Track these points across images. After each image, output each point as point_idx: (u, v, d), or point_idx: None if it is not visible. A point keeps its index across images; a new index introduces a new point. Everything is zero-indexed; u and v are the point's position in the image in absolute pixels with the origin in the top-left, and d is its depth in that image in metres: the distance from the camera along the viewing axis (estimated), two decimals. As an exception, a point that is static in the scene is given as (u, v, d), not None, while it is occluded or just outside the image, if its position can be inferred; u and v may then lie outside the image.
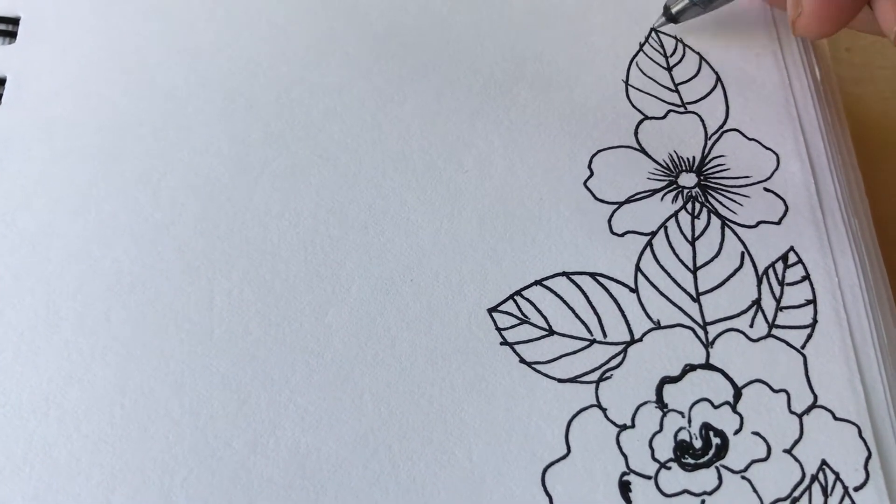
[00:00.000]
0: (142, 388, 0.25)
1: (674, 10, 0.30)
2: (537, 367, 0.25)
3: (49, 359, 0.25)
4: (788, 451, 0.24)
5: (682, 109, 0.30)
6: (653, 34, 0.31)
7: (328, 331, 0.26)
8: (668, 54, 0.31)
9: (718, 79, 0.30)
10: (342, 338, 0.26)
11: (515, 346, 0.25)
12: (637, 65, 0.31)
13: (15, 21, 0.31)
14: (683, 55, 0.31)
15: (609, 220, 0.28)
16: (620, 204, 0.28)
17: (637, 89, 0.30)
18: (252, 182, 0.28)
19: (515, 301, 0.26)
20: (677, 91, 0.30)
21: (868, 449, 0.24)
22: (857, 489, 0.24)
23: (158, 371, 0.25)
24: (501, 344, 0.26)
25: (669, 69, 0.31)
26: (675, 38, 0.31)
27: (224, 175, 0.28)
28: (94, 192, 0.28)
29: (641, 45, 0.31)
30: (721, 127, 0.29)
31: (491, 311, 0.26)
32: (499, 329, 0.26)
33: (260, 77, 0.30)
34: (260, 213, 0.27)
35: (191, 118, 0.29)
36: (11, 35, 0.31)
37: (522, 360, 0.25)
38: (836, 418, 0.25)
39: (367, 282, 0.26)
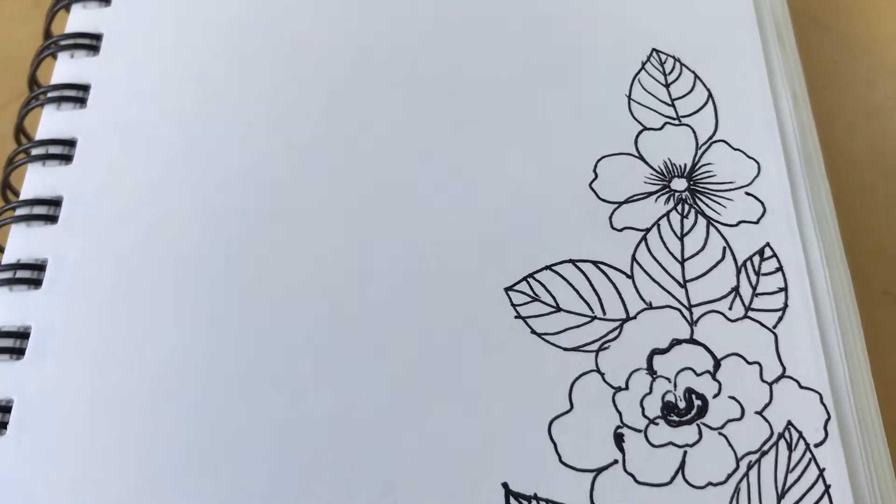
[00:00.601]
0: (199, 345, 0.29)
1: None
2: (546, 337, 0.30)
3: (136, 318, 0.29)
4: (759, 413, 0.28)
5: (676, 122, 0.34)
6: (653, 53, 0.36)
7: (365, 303, 0.30)
8: (667, 72, 0.35)
9: (710, 96, 0.35)
10: (378, 308, 0.30)
11: (528, 320, 0.30)
12: (639, 81, 0.35)
13: (98, 37, 0.36)
14: (680, 73, 0.35)
15: (610, 217, 0.32)
16: (620, 203, 0.32)
17: (638, 103, 0.35)
18: (307, 176, 0.33)
19: (528, 282, 0.31)
20: (673, 105, 0.34)
21: (828, 412, 0.28)
22: (817, 445, 0.28)
23: (214, 327, 0.29)
24: (516, 318, 0.30)
25: (667, 85, 0.35)
26: (674, 57, 0.36)
27: (283, 166, 0.33)
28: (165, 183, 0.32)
29: (643, 64, 0.36)
30: (710, 138, 0.34)
31: (507, 289, 0.30)
32: (514, 305, 0.30)
33: (317, 76, 0.35)
34: (314, 207, 0.32)
35: (243, 111, 0.34)
36: (95, 49, 0.35)
37: (534, 332, 0.30)
38: (801, 386, 0.29)
39: (397, 257, 0.31)
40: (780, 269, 0.31)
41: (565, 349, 0.29)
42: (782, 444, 0.28)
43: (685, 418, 0.28)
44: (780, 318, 0.30)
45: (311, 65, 0.36)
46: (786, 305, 0.30)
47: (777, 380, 0.29)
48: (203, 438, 0.28)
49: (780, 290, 0.30)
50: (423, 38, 0.36)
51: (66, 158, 0.34)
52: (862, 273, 0.34)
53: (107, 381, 0.29)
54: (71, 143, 0.34)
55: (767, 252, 0.31)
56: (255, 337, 0.30)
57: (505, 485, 0.27)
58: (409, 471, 0.27)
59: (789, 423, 0.28)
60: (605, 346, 0.29)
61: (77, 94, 0.35)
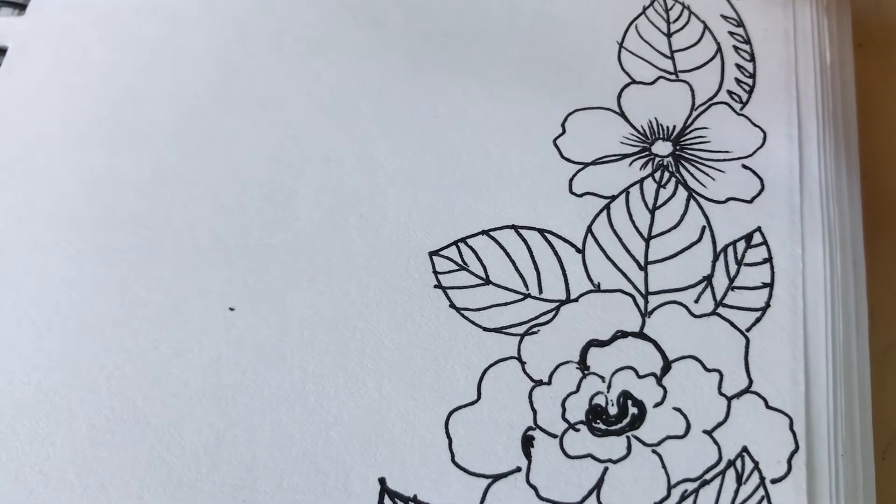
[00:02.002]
0: (90, 283, 0.26)
1: None
2: (465, 313, 0.25)
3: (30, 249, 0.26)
4: (709, 433, 0.23)
5: (672, 77, 0.29)
6: (659, -1, 0.30)
7: (271, 252, 0.26)
8: (672, 20, 0.30)
9: (719, 49, 0.29)
10: (282, 261, 0.26)
11: (448, 291, 0.25)
12: (636, 27, 0.30)
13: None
14: (687, 22, 0.30)
15: (571, 180, 0.27)
16: (586, 165, 0.27)
17: (631, 52, 0.29)
18: (230, 106, 0.29)
19: (458, 247, 0.26)
20: (672, 58, 0.29)
21: (796, 443, 0.23)
22: (774, 481, 0.22)
23: (107, 267, 0.26)
24: (435, 287, 0.25)
25: (669, 35, 0.29)
26: (682, 3, 0.30)
27: (205, 97, 0.29)
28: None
29: (645, 8, 0.30)
30: (711, 99, 0.28)
31: (432, 254, 0.26)
32: (436, 272, 0.26)
33: (254, 15, 0.31)
34: (230, 136, 0.28)
35: (182, 46, 0.30)
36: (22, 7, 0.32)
37: (452, 305, 0.25)
38: (768, 406, 0.23)
39: (318, 211, 0.27)
40: (768, 260, 0.25)
41: (485, 329, 0.25)
42: (731, 473, 0.22)
43: (614, 427, 0.23)
44: (758, 320, 0.24)
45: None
46: (767, 305, 0.25)
47: (739, 394, 0.23)
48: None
49: (765, 285, 0.25)
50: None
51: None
52: (879, 267, 0.28)
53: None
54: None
55: (757, 238, 0.26)
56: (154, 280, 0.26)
57: (382, 480, 0.23)
58: (274, 449, 0.23)
59: (745, 449, 0.23)
60: (534, 330, 0.24)
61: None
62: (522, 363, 0.24)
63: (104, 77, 0.30)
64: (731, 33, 0.29)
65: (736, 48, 0.29)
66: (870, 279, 0.27)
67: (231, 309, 0.25)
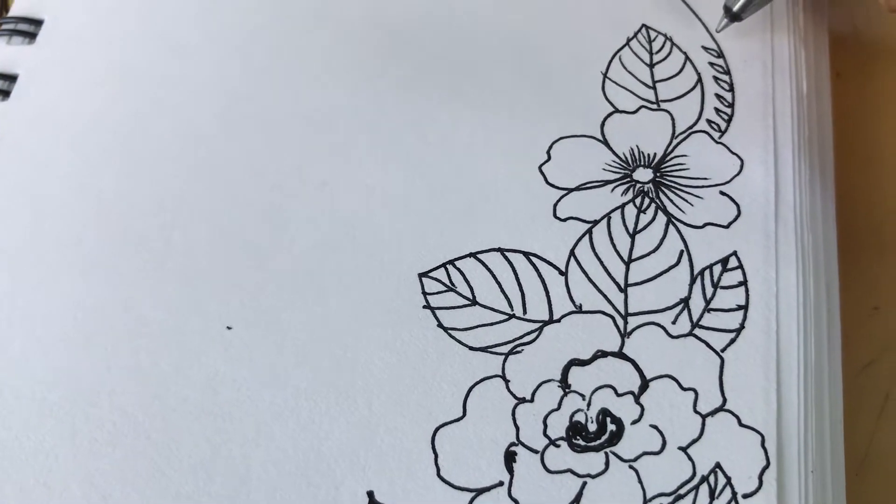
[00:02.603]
0: (95, 302, 0.27)
1: (735, 8, 0.30)
2: (453, 332, 0.26)
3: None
4: (683, 449, 0.24)
5: (654, 106, 0.30)
6: (643, 29, 0.31)
7: (267, 274, 0.27)
8: (655, 51, 0.31)
9: (699, 80, 0.30)
10: (279, 282, 0.27)
11: (436, 311, 0.26)
12: (620, 58, 0.31)
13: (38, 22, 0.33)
14: (669, 53, 0.31)
15: (555, 205, 0.28)
16: (570, 191, 0.28)
17: (614, 82, 0.30)
18: (231, 134, 0.30)
19: (447, 269, 0.27)
20: (654, 88, 0.30)
21: (767, 459, 0.24)
22: (746, 496, 0.23)
23: (111, 288, 0.27)
24: (424, 307, 0.27)
25: (652, 66, 0.31)
26: (665, 35, 0.31)
27: (208, 125, 0.30)
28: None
29: (629, 40, 0.31)
30: (691, 127, 0.29)
31: (421, 275, 0.27)
32: (425, 293, 0.27)
33: (255, 46, 0.32)
34: (231, 162, 0.29)
35: (186, 76, 0.31)
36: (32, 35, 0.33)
37: (440, 325, 0.26)
38: (740, 424, 0.24)
39: (314, 234, 0.28)
40: (743, 283, 0.26)
41: (471, 348, 0.26)
42: (704, 489, 0.23)
43: (593, 444, 0.24)
44: (732, 341, 0.25)
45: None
46: (742, 327, 0.26)
47: (713, 412, 0.24)
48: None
49: (739, 308, 0.26)
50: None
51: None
52: (854, 289, 0.29)
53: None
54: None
55: (732, 262, 0.27)
56: (154, 296, 0.27)
57: (370, 493, 0.24)
58: (268, 462, 0.24)
59: (718, 465, 0.24)
60: (518, 349, 0.26)
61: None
62: (506, 381, 0.25)
63: (111, 104, 0.31)
64: (712, 64, 0.31)
65: (716, 78, 0.30)
66: (845, 301, 0.28)
67: (229, 328, 0.26)
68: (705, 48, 0.31)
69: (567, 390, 0.25)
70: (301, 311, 0.27)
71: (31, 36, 0.33)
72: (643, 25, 0.32)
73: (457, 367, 0.25)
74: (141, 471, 0.24)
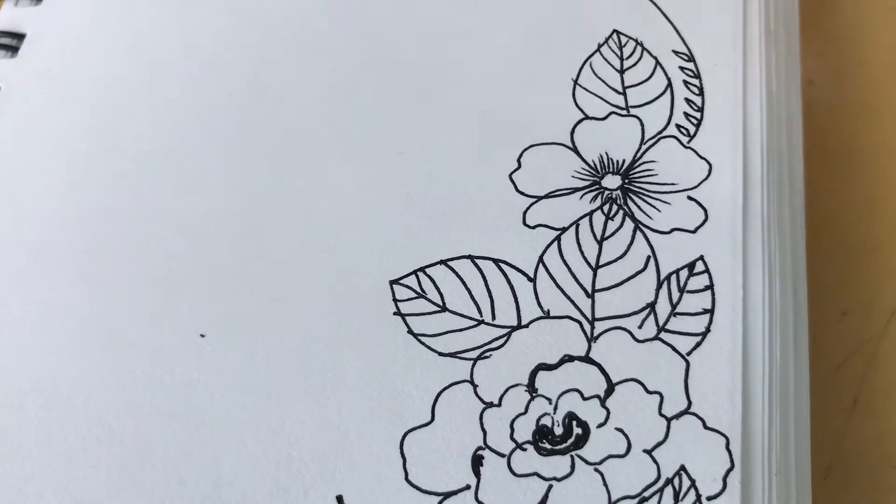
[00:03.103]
0: (73, 311, 0.27)
1: None
2: (422, 338, 0.26)
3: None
4: (648, 452, 0.24)
5: (624, 112, 0.30)
6: (614, 35, 0.32)
7: (242, 281, 0.28)
8: (625, 56, 0.31)
9: (669, 84, 0.31)
10: (253, 289, 0.28)
11: (407, 318, 0.27)
12: (590, 65, 0.31)
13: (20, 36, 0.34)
14: (640, 58, 0.31)
15: (525, 213, 0.28)
16: (539, 198, 0.29)
17: (584, 89, 0.31)
18: (207, 145, 0.30)
19: (417, 276, 0.27)
20: (624, 94, 0.30)
21: (731, 461, 0.24)
22: (710, 499, 0.24)
23: (89, 296, 0.28)
24: (394, 314, 0.27)
25: (622, 71, 0.31)
26: (635, 40, 0.31)
27: (184, 136, 0.31)
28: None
29: (600, 45, 0.32)
30: (660, 133, 0.30)
31: (392, 282, 0.27)
32: (395, 300, 0.27)
33: (230, 58, 0.33)
34: (208, 173, 0.30)
35: (163, 88, 0.32)
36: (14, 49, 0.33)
37: (410, 331, 0.27)
38: (705, 427, 0.24)
39: (290, 242, 0.28)
40: (710, 287, 0.26)
41: (440, 354, 0.26)
42: (668, 491, 0.24)
43: (559, 447, 0.24)
44: (698, 345, 0.26)
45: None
46: (707, 330, 0.26)
47: (678, 415, 0.25)
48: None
49: (705, 311, 0.26)
50: (358, 5, 0.34)
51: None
52: (824, 293, 0.29)
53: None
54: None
55: (699, 266, 0.27)
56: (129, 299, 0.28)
57: (339, 498, 0.24)
58: (240, 467, 0.25)
59: (682, 467, 0.24)
60: (486, 354, 0.26)
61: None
62: (475, 386, 0.26)
63: (90, 117, 0.31)
64: (682, 68, 0.31)
65: (686, 82, 0.31)
66: (813, 306, 0.28)
67: (202, 335, 0.27)
68: (675, 52, 0.31)
69: (534, 394, 0.25)
70: (274, 319, 0.27)
71: (14, 49, 0.33)
72: (614, 31, 0.32)
73: (426, 373, 0.26)
74: (115, 476, 0.25)
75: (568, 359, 0.26)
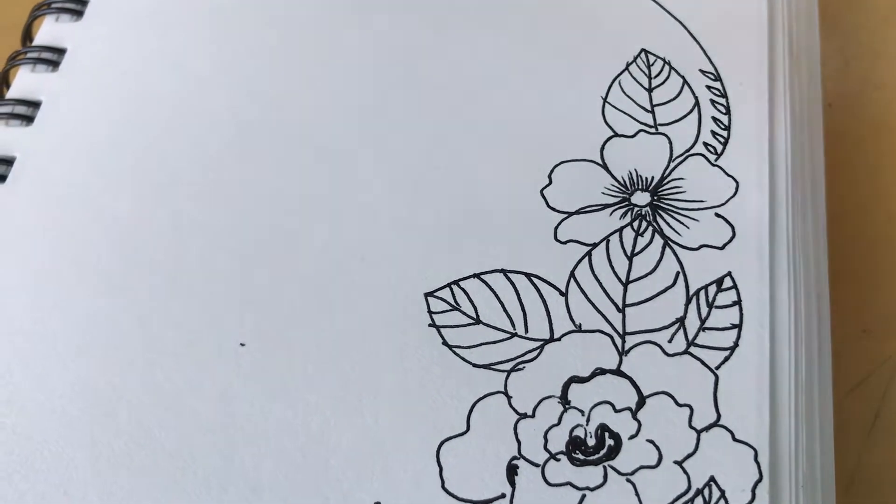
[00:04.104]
0: (112, 320, 0.28)
1: None
2: (457, 350, 0.27)
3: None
4: (679, 463, 0.25)
5: (652, 130, 0.31)
6: (642, 54, 0.32)
7: (280, 292, 0.28)
8: (653, 75, 0.32)
9: (696, 103, 0.31)
10: (290, 301, 0.28)
11: (442, 329, 0.27)
12: (619, 83, 0.32)
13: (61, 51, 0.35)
14: (668, 77, 0.32)
15: (556, 228, 0.29)
16: (570, 214, 0.29)
17: (614, 107, 0.31)
18: (244, 160, 0.31)
19: (451, 289, 0.28)
20: (652, 112, 0.31)
21: (760, 473, 0.25)
22: (739, 509, 0.24)
23: (127, 306, 0.28)
24: (430, 325, 0.28)
25: (650, 90, 0.32)
26: (663, 59, 0.32)
27: (221, 152, 0.31)
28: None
29: (628, 64, 0.32)
30: (688, 150, 0.30)
31: (427, 294, 0.28)
32: (430, 311, 0.28)
33: (263, 74, 0.33)
34: (245, 188, 0.31)
35: (199, 104, 0.33)
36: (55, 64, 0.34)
37: (445, 343, 0.27)
38: (734, 439, 0.25)
39: (324, 255, 0.29)
40: (737, 302, 0.27)
41: (475, 365, 0.27)
42: (699, 501, 0.24)
43: (592, 458, 0.25)
44: (726, 359, 0.26)
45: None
46: (736, 345, 0.26)
47: (708, 428, 0.25)
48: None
49: (734, 326, 0.27)
50: (390, 22, 0.34)
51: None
52: (845, 311, 0.30)
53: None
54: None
55: (727, 282, 0.28)
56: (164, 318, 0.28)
57: (377, 504, 0.25)
58: (279, 473, 0.25)
59: (712, 478, 0.25)
60: (520, 366, 0.27)
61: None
62: (509, 397, 0.26)
63: (129, 131, 0.32)
64: (709, 87, 0.32)
65: (713, 101, 0.31)
66: (835, 323, 0.29)
67: (242, 344, 0.28)
68: (703, 71, 0.32)
69: (567, 406, 0.26)
70: (311, 329, 0.28)
71: (55, 64, 0.34)
72: (642, 50, 0.33)
73: (461, 384, 0.26)
74: (156, 480, 0.26)
75: (600, 372, 0.26)
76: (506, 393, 0.26)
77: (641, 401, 0.26)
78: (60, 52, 0.34)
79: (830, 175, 0.31)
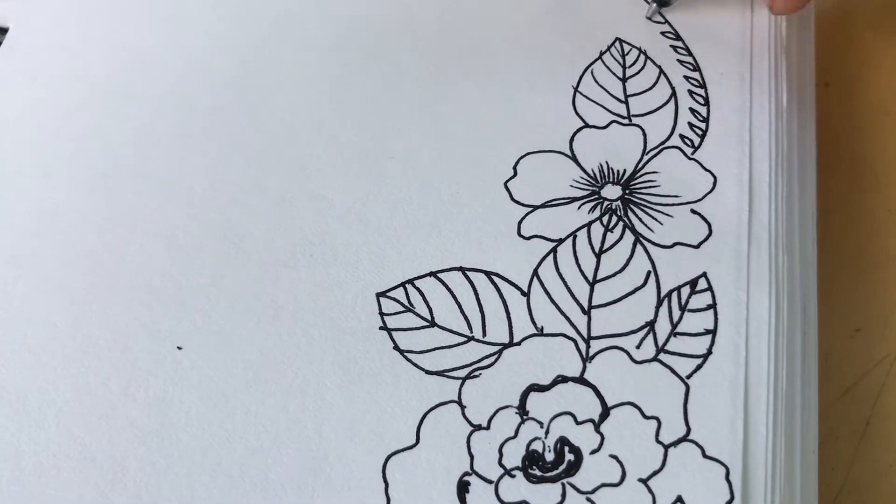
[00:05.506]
0: (44, 319, 0.26)
1: None
2: (409, 355, 0.25)
3: None
4: (644, 481, 0.23)
5: (626, 121, 0.29)
6: (616, 43, 0.30)
7: (220, 293, 0.27)
8: (628, 65, 0.30)
9: (673, 94, 0.29)
10: (231, 301, 0.26)
11: (393, 333, 0.25)
12: (592, 72, 0.30)
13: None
14: (643, 67, 0.30)
15: (519, 223, 0.27)
16: (535, 208, 0.27)
17: (585, 96, 0.29)
18: (190, 145, 0.29)
19: (405, 289, 0.26)
20: (626, 102, 0.29)
21: (731, 493, 0.23)
22: (707, 532, 0.22)
23: (62, 304, 0.26)
24: (380, 328, 0.26)
25: (624, 80, 0.30)
26: (639, 49, 0.30)
27: (165, 138, 0.30)
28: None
29: (602, 53, 0.30)
30: (663, 143, 0.28)
31: (379, 294, 0.26)
32: (382, 313, 0.26)
33: (214, 55, 0.31)
34: (188, 176, 0.29)
35: (144, 87, 0.31)
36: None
37: (396, 347, 0.25)
38: (704, 455, 0.23)
39: (269, 251, 0.27)
40: (712, 306, 0.25)
41: (427, 372, 0.25)
42: (664, 523, 0.22)
43: (550, 474, 0.23)
44: (699, 367, 0.24)
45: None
46: (709, 352, 0.24)
47: (676, 442, 0.23)
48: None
49: (707, 332, 0.25)
50: (362, 5, 0.32)
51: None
52: (836, 310, 0.28)
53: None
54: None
55: (702, 284, 0.26)
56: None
57: (317, 522, 0.23)
58: (214, 488, 0.23)
59: (679, 498, 0.23)
60: (476, 373, 0.25)
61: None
62: (462, 407, 0.24)
63: (71, 115, 0.30)
64: (687, 77, 0.30)
65: (691, 92, 0.29)
66: (825, 324, 0.27)
67: (179, 348, 0.26)
68: (680, 61, 0.30)
69: (525, 417, 0.24)
70: (253, 332, 0.26)
71: (-5, 44, 0.32)
72: (616, 39, 0.31)
73: (412, 392, 0.25)
74: (85, 494, 0.24)
75: (561, 379, 0.24)
76: (459, 402, 0.24)
77: (605, 412, 0.24)
78: (2, 31, 0.32)
79: (823, 164, 0.29)
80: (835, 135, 0.32)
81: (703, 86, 0.29)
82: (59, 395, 0.25)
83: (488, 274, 0.26)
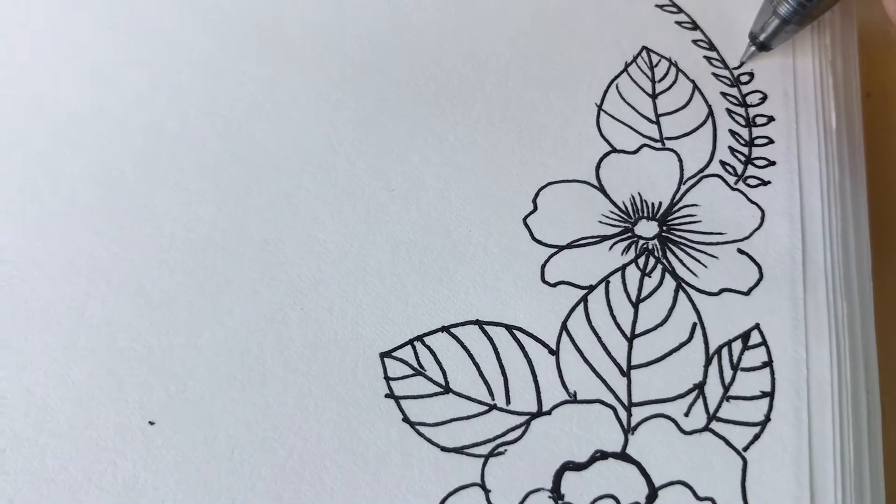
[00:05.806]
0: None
1: (763, 38, 0.26)
2: (421, 429, 0.22)
3: None
4: (701, 575, 0.20)
5: (658, 145, 0.25)
6: (644, 52, 0.27)
7: (197, 355, 0.23)
8: (657, 78, 0.26)
9: (711, 114, 0.26)
10: (211, 366, 0.23)
11: (402, 402, 0.22)
12: (616, 87, 0.26)
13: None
14: (675, 81, 0.26)
15: (543, 266, 0.24)
16: (560, 248, 0.24)
17: (610, 116, 0.26)
18: (157, 177, 0.25)
19: (414, 347, 0.23)
20: (658, 123, 0.26)
21: (801, 587, 0.19)
22: None
23: (12, 372, 0.23)
24: (387, 396, 0.22)
25: (654, 96, 0.26)
26: (669, 59, 0.27)
27: (129, 169, 0.25)
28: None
29: (628, 64, 0.27)
30: (701, 171, 0.25)
31: (384, 355, 0.23)
32: (388, 378, 0.22)
33: (189, 63, 0.27)
34: (157, 213, 0.25)
35: (106, 108, 0.27)
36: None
37: (406, 419, 0.22)
38: (769, 543, 0.20)
39: (253, 305, 0.23)
40: (768, 364, 0.22)
41: (444, 449, 0.21)
42: None
43: (592, 571, 0.20)
44: (757, 437, 0.21)
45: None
46: (767, 419, 0.21)
47: (736, 528, 0.20)
48: None
49: (764, 395, 0.22)
50: (348, 11, 0.28)
51: None
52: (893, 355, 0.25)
53: None
54: None
55: (755, 338, 0.22)
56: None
57: None
58: None
59: None
60: (500, 450, 0.21)
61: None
62: (486, 491, 0.21)
63: (11, 143, 0.26)
64: (725, 94, 0.26)
65: (729, 112, 0.26)
66: (884, 375, 0.24)
67: (151, 423, 0.22)
68: (716, 76, 0.27)
69: (560, 502, 0.21)
70: (237, 403, 0.22)
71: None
72: (643, 48, 0.27)
73: (426, 475, 0.21)
74: None
75: (600, 456, 0.21)
76: (483, 486, 0.21)
77: (653, 493, 0.21)
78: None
79: (872, 185, 0.26)
80: (879, 149, 0.29)
81: (742, 104, 0.26)
82: (9, 483, 0.21)
83: (509, 328, 0.23)
